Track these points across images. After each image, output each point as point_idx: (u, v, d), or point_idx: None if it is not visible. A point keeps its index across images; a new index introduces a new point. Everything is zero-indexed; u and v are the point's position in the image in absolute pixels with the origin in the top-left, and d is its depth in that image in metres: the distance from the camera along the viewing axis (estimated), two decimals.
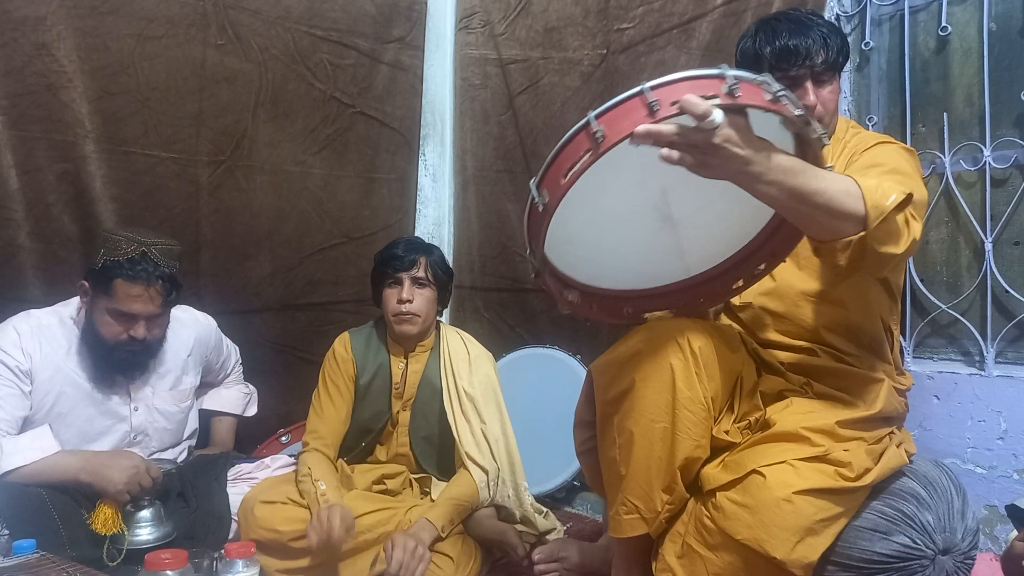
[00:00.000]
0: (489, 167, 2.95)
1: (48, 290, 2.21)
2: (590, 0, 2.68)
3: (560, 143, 1.14)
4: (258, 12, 2.56)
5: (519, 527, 2.01)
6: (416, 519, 1.85)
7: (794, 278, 1.51)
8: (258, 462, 2.11)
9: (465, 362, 2.13)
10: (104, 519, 1.73)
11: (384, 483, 2.06)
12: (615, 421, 1.41)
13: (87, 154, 2.28)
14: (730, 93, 1.09)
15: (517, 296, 2.88)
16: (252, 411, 2.41)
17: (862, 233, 1.20)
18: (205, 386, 2.28)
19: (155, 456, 2.01)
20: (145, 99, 2.37)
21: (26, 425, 1.83)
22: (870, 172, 1.34)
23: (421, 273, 2.05)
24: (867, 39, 2.19)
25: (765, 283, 1.53)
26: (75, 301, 1.95)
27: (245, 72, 2.55)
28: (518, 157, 2.87)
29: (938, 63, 2.11)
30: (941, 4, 2.06)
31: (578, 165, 1.11)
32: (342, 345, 2.13)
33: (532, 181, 1.18)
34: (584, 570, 1.80)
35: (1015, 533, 1.40)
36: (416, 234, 3.00)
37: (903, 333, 2.09)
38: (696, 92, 1.07)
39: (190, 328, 2.12)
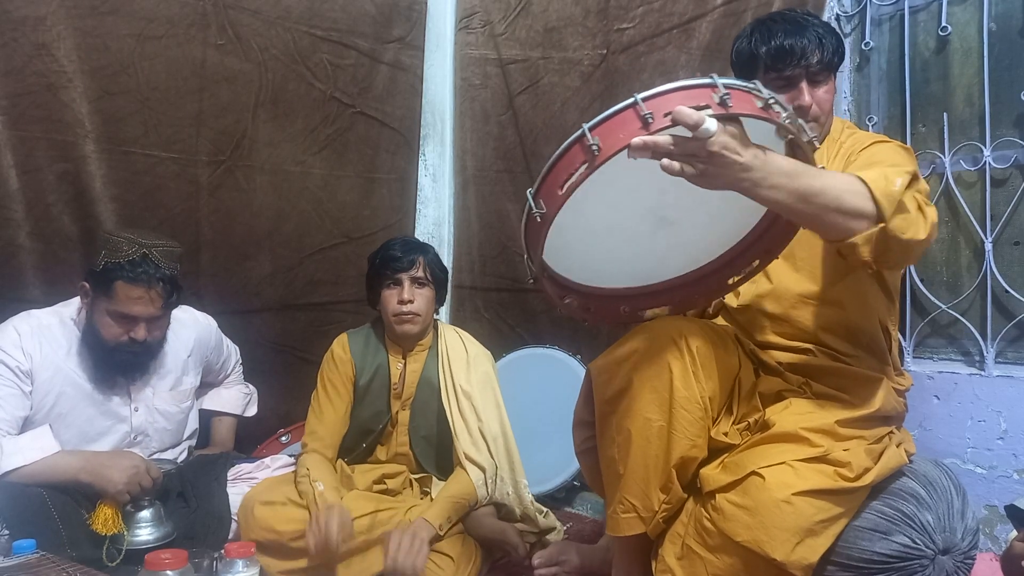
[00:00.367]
0: (489, 167, 2.95)
1: (48, 290, 2.21)
2: (590, 0, 2.68)
3: (555, 155, 1.15)
4: (258, 12, 2.56)
5: (519, 525, 2.01)
6: (415, 519, 1.85)
7: (791, 280, 1.51)
8: (258, 462, 2.11)
9: (463, 361, 2.13)
10: (104, 519, 1.73)
11: (384, 483, 2.06)
12: (613, 420, 1.42)
13: (87, 154, 2.28)
14: (722, 103, 1.10)
15: (517, 296, 2.88)
16: (252, 411, 2.41)
17: (882, 225, 1.20)
18: (205, 386, 2.28)
19: (155, 456, 2.01)
20: (145, 99, 2.37)
21: (26, 425, 1.84)
22: (873, 167, 1.34)
23: (420, 273, 2.05)
24: (867, 39, 2.19)
25: (762, 285, 1.53)
26: (75, 301, 1.95)
27: (245, 72, 2.55)
28: (518, 157, 2.87)
29: (938, 63, 2.11)
30: (941, 4, 2.06)
31: (574, 177, 1.12)
32: (340, 347, 2.13)
33: (529, 191, 1.19)
34: (584, 572, 1.80)
35: (1015, 533, 1.40)
36: (416, 234, 3.00)
37: (903, 333, 2.09)
38: (688, 102, 1.09)
39: (190, 328, 2.13)
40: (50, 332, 1.90)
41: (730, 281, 1.48)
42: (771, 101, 1.14)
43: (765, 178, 1.14)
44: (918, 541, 1.29)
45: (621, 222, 1.36)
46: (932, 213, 1.28)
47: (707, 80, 1.12)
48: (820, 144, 1.55)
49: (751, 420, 1.42)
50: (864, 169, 1.33)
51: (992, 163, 1.97)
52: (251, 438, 2.47)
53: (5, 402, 1.80)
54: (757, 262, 1.44)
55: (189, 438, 2.17)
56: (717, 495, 1.32)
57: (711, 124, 1.07)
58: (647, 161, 1.10)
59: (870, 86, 2.24)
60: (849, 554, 1.30)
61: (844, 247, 1.25)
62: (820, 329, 1.49)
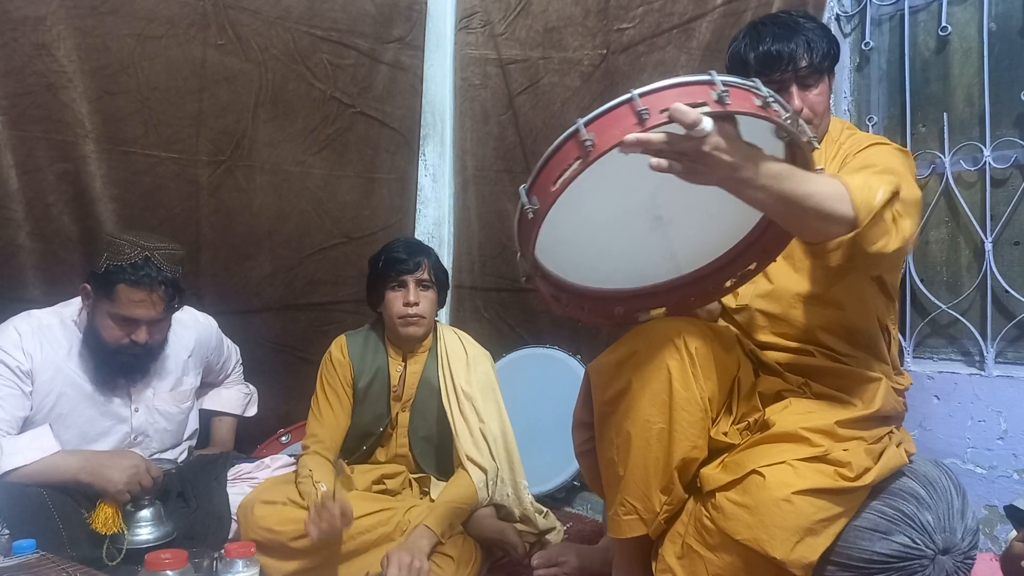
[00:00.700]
0: (489, 167, 2.95)
1: (48, 290, 2.21)
2: (590, 0, 2.68)
3: (550, 150, 1.14)
4: (258, 12, 2.56)
5: (519, 526, 2.01)
6: (415, 519, 1.84)
7: (790, 280, 1.51)
8: (258, 462, 2.11)
9: (463, 362, 2.13)
10: (104, 519, 1.73)
11: (384, 483, 2.06)
12: (613, 422, 1.41)
13: (87, 154, 2.28)
14: (720, 100, 1.09)
15: (517, 296, 2.88)
16: (252, 411, 2.41)
17: (854, 234, 1.21)
18: (205, 386, 2.28)
19: (155, 456, 2.01)
20: (145, 99, 2.37)
21: (27, 426, 1.83)
22: (862, 173, 1.35)
23: (425, 275, 2.05)
24: (867, 39, 2.19)
25: (762, 285, 1.53)
26: (76, 301, 1.95)
27: (245, 72, 2.55)
28: (518, 157, 2.87)
29: (938, 63, 2.11)
30: (941, 4, 2.06)
31: (568, 172, 1.11)
32: (338, 349, 2.12)
33: (522, 187, 1.18)
34: (584, 573, 1.80)
35: (1014, 533, 1.40)
36: (416, 234, 3.00)
37: (903, 333, 2.09)
38: (685, 99, 1.07)
39: (191, 329, 2.13)
40: (51, 332, 1.90)
41: (727, 283, 1.47)
42: (770, 100, 1.13)
43: (752, 179, 1.14)
44: (918, 541, 1.29)
45: (616, 220, 1.35)
46: (905, 227, 1.27)
47: (705, 77, 1.11)
48: (819, 145, 1.55)
49: (751, 420, 1.42)
50: (856, 172, 1.33)
51: (992, 163, 1.97)
52: (251, 438, 2.47)
53: (5, 402, 1.80)
54: (754, 264, 1.44)
55: (189, 438, 2.17)
56: (717, 494, 1.32)
57: (707, 123, 1.06)
58: (643, 158, 1.09)
59: (870, 86, 2.24)
60: (849, 554, 1.30)
61: (816, 249, 1.26)
62: (819, 329, 1.49)
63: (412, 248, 2.09)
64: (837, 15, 2.23)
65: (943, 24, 2.05)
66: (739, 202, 1.21)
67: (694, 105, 1.07)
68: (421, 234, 3.02)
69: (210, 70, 2.47)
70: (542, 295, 1.40)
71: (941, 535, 1.31)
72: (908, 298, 2.09)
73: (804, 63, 1.47)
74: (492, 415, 2.09)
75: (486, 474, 2.00)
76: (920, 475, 1.42)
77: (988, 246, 1.98)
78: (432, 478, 2.10)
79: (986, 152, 1.98)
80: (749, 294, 1.54)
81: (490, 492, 1.99)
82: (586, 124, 1.10)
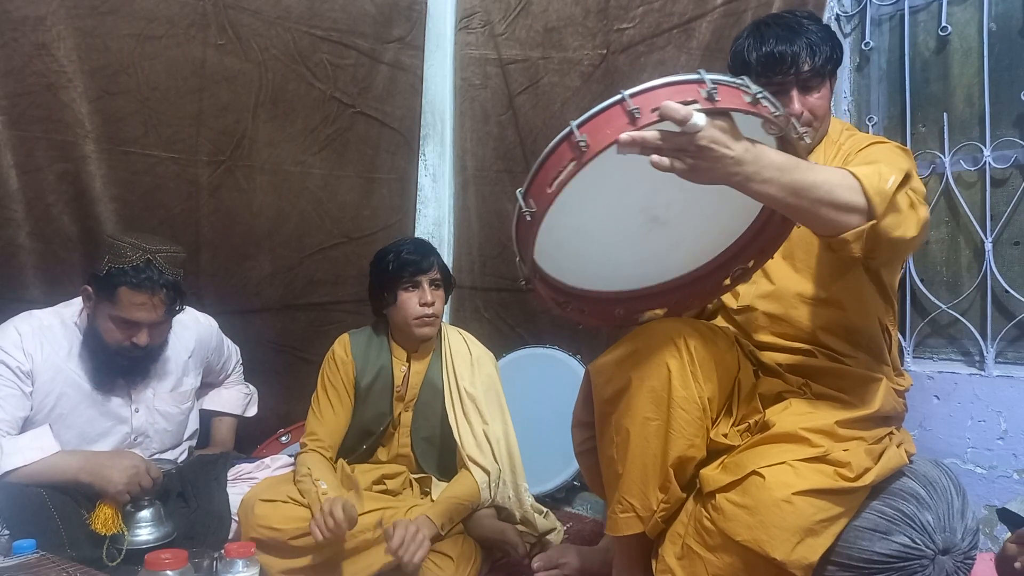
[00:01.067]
0: (489, 167, 2.95)
1: (48, 290, 2.21)
2: (590, 0, 2.68)
3: (544, 153, 1.14)
4: (258, 12, 2.56)
5: (519, 527, 2.01)
6: (416, 517, 1.84)
7: (791, 280, 1.51)
8: (258, 462, 2.11)
9: (467, 363, 2.13)
10: (104, 519, 1.73)
11: (384, 483, 2.06)
12: (612, 420, 1.42)
13: (87, 154, 2.28)
14: (709, 97, 1.10)
15: (517, 296, 2.88)
16: (252, 411, 2.41)
17: (873, 222, 1.20)
18: (206, 386, 2.28)
19: (155, 457, 2.01)
20: (145, 99, 2.37)
21: (27, 426, 1.83)
22: (869, 165, 1.34)
23: (437, 274, 2.06)
24: (867, 39, 2.19)
25: (763, 285, 1.53)
26: (77, 302, 1.95)
27: (245, 72, 2.55)
28: (518, 157, 2.87)
29: (938, 63, 2.11)
30: (941, 4, 2.06)
31: (563, 174, 1.12)
32: (341, 347, 2.12)
33: (519, 191, 1.19)
34: (584, 574, 1.80)
35: (1009, 535, 1.40)
36: (416, 234, 2.99)
37: (903, 333, 2.10)
38: (675, 98, 1.08)
39: (191, 330, 2.12)
40: (51, 333, 1.90)
41: (725, 282, 1.47)
42: (759, 96, 1.14)
43: (757, 172, 1.14)
44: (918, 541, 1.29)
45: (613, 222, 1.35)
46: (923, 212, 1.28)
47: (694, 76, 1.12)
48: (817, 145, 1.55)
49: (751, 421, 1.42)
50: (860, 167, 1.33)
51: (992, 163, 1.97)
52: (251, 438, 2.47)
53: (5, 402, 1.80)
54: (752, 262, 1.44)
55: (189, 439, 2.17)
56: (717, 495, 1.32)
57: (699, 118, 1.07)
58: (638, 160, 1.10)
59: (870, 86, 2.24)
60: (849, 554, 1.30)
61: (835, 242, 1.25)
62: (820, 329, 1.49)
63: (423, 248, 2.09)
64: (837, 15, 2.23)
65: (943, 24, 2.05)
66: (735, 201, 1.21)
67: (684, 103, 1.08)
68: (421, 234, 3.01)
69: (210, 70, 2.47)
70: (542, 298, 1.40)
71: (941, 535, 1.31)
72: (908, 298, 2.10)
73: (806, 67, 1.46)
74: (495, 417, 2.09)
75: (489, 476, 2.00)
76: (920, 475, 1.42)
77: (988, 246, 1.98)
78: (433, 478, 2.10)
79: (986, 152, 1.98)
80: (750, 294, 1.54)
81: (492, 494, 2.00)
82: (579, 126, 1.11)
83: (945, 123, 2.05)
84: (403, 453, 2.13)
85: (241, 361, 2.39)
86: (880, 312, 1.54)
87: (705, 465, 1.40)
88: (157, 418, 2.03)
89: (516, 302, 2.89)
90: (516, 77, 2.85)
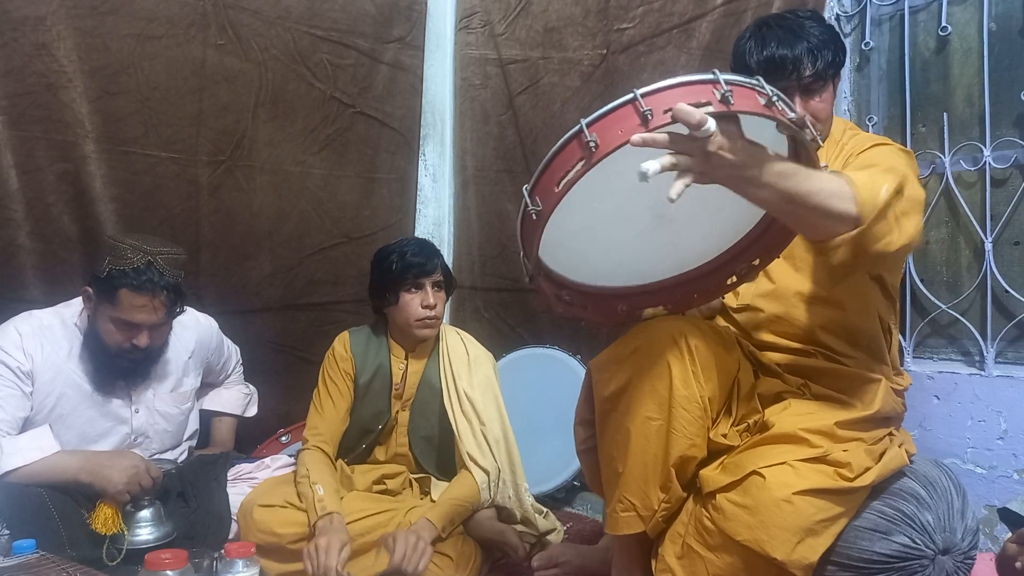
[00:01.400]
0: (489, 167, 2.95)
1: (48, 290, 2.21)
2: (590, 0, 2.68)
3: (552, 151, 1.13)
4: (258, 12, 2.56)
5: (519, 527, 2.01)
6: (416, 519, 1.85)
7: (792, 280, 1.51)
8: (258, 462, 2.11)
9: (465, 363, 2.13)
10: (104, 519, 1.73)
11: (384, 483, 2.06)
12: (613, 419, 1.42)
13: (87, 154, 2.28)
14: (724, 100, 1.08)
15: (517, 296, 2.88)
16: (252, 411, 2.41)
17: (859, 229, 1.20)
18: (206, 387, 2.28)
19: (155, 457, 2.01)
20: (145, 99, 2.36)
21: (27, 426, 1.83)
22: (866, 171, 1.34)
23: (440, 276, 2.06)
24: (867, 39, 2.19)
25: (764, 285, 1.53)
26: (77, 302, 1.95)
27: (245, 72, 2.55)
28: (518, 157, 2.87)
29: (938, 63, 2.11)
30: (941, 4, 2.06)
31: (571, 174, 1.11)
32: (341, 344, 2.13)
33: (525, 188, 1.17)
34: (584, 573, 1.80)
35: (1010, 535, 1.40)
36: (416, 234, 2.99)
37: (903, 333, 2.09)
38: (689, 99, 1.06)
39: (191, 330, 2.12)
40: (51, 333, 1.90)
41: (729, 281, 1.47)
42: (775, 98, 1.13)
43: (756, 177, 1.14)
44: (918, 541, 1.29)
45: (618, 218, 1.35)
46: (909, 224, 1.26)
47: (709, 76, 1.10)
48: (822, 145, 1.54)
49: (750, 422, 1.42)
50: (858, 171, 1.32)
51: (992, 163, 1.97)
52: (251, 438, 2.47)
53: (5, 403, 1.80)
54: (757, 261, 1.44)
55: (189, 439, 2.17)
56: (717, 495, 1.32)
57: (711, 124, 1.05)
58: (645, 155, 1.09)
59: (870, 86, 2.24)
60: (849, 554, 1.30)
61: (822, 247, 1.25)
62: (820, 329, 1.49)
63: (427, 250, 2.08)
64: (837, 15, 2.23)
65: (943, 24, 2.05)
66: (741, 200, 1.21)
67: (698, 105, 1.06)
68: (421, 234, 3.01)
69: (210, 70, 2.47)
70: (545, 295, 1.39)
71: (941, 535, 1.31)
72: (908, 298, 2.09)
73: (808, 72, 1.45)
74: (493, 417, 2.09)
75: (488, 476, 2.00)
76: (920, 475, 1.42)
77: (988, 246, 1.98)
78: (433, 479, 2.10)
79: (986, 152, 1.98)
80: (750, 293, 1.54)
81: (492, 494, 2.00)
82: (589, 125, 1.09)
83: (945, 123, 2.05)
84: (401, 452, 2.13)
85: (241, 361, 2.39)
86: (882, 311, 1.54)
87: (705, 465, 1.40)
88: (157, 418, 2.03)
89: (516, 302, 2.89)
90: (516, 77, 2.85)
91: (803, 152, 1.22)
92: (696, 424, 1.36)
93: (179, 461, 2.06)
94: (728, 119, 1.10)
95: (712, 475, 1.35)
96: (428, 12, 2.98)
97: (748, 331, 1.55)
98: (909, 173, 1.36)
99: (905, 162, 1.42)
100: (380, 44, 2.84)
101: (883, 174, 1.27)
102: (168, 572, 1.28)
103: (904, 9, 2.13)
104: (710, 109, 1.07)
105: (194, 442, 2.20)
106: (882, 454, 1.37)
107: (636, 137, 1.06)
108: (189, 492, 1.93)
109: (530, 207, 1.16)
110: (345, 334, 2.15)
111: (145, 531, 1.78)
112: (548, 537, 2.05)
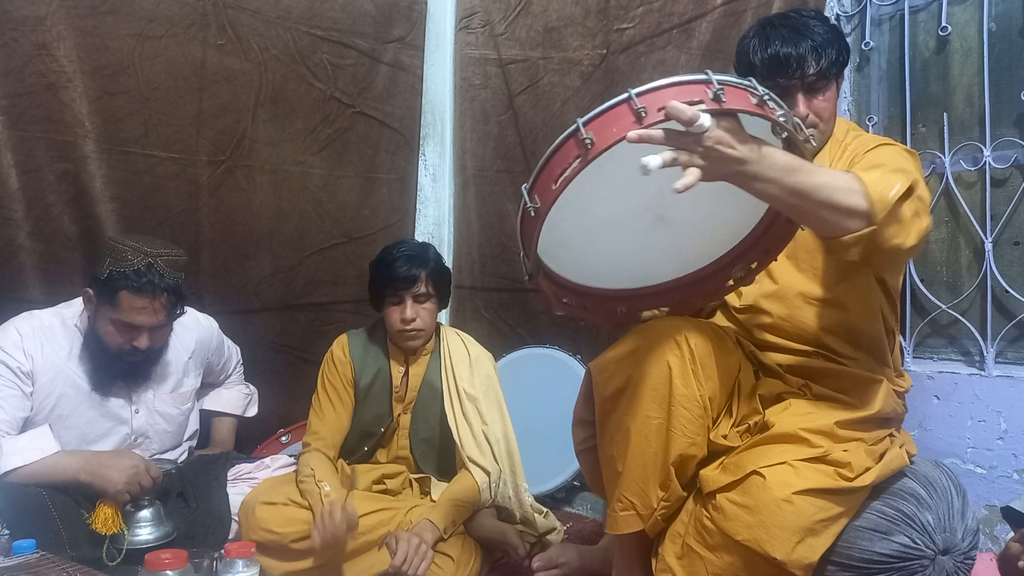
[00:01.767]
0: (489, 167, 2.95)
1: (48, 290, 2.21)
2: (590, 0, 2.68)
3: (550, 149, 1.15)
4: (258, 12, 2.56)
5: (519, 527, 2.01)
6: (417, 519, 1.85)
7: (795, 280, 1.51)
8: (258, 462, 2.11)
9: (466, 363, 2.13)
10: (104, 519, 1.73)
11: (384, 483, 2.06)
12: (613, 418, 1.42)
13: (87, 154, 2.28)
14: (716, 98, 1.10)
15: (517, 296, 2.88)
16: (252, 412, 2.41)
17: (872, 228, 1.20)
18: (206, 387, 2.28)
19: (155, 457, 2.01)
20: (145, 99, 2.37)
21: (27, 426, 1.83)
22: (875, 170, 1.34)
23: (422, 289, 2.02)
24: (867, 39, 2.19)
25: (766, 285, 1.53)
26: (77, 302, 1.95)
27: (245, 72, 2.55)
28: (518, 157, 2.87)
29: (938, 63, 2.11)
30: (941, 4, 2.06)
31: (568, 171, 1.12)
32: (340, 348, 2.12)
33: (524, 187, 1.19)
34: (584, 573, 1.80)
35: (1012, 534, 1.40)
36: (416, 234, 2.99)
37: (903, 333, 2.09)
38: (682, 98, 1.09)
39: (192, 330, 2.12)
40: (52, 334, 1.90)
41: (728, 283, 1.47)
42: (766, 98, 1.14)
43: (761, 172, 1.14)
44: (918, 541, 1.29)
45: (618, 220, 1.35)
46: (925, 221, 1.27)
47: (701, 76, 1.12)
48: (823, 147, 1.54)
49: (751, 422, 1.42)
50: (868, 171, 1.32)
51: (992, 163, 1.97)
52: (251, 438, 2.47)
53: (5, 403, 1.80)
54: (756, 264, 1.44)
55: (190, 439, 2.17)
56: (718, 495, 1.32)
57: (705, 119, 1.07)
58: (645, 156, 1.10)
59: (870, 86, 2.24)
60: (849, 554, 1.30)
61: (834, 245, 1.25)
62: (822, 330, 1.49)
63: (410, 260, 2.02)
64: (837, 15, 2.23)
65: (943, 24, 2.05)
66: (740, 202, 1.21)
67: (691, 103, 1.08)
68: (421, 234, 3.02)
69: (210, 70, 2.47)
70: (544, 294, 1.40)
71: (941, 535, 1.31)
72: (908, 298, 2.09)
73: (811, 70, 1.45)
74: (494, 417, 2.09)
75: (489, 476, 2.00)
76: (920, 475, 1.42)
77: (988, 246, 1.98)
78: (432, 479, 2.10)
79: (986, 152, 1.98)
80: (753, 293, 1.54)
81: (492, 494, 2.00)
82: (585, 123, 1.11)
83: (945, 123, 2.05)
84: (402, 455, 2.13)
85: (241, 361, 2.39)
86: (885, 313, 1.53)
87: (706, 465, 1.40)
88: (157, 419, 2.03)
89: (516, 302, 2.89)
90: (516, 77, 2.85)
91: (796, 152, 1.23)
92: (696, 423, 1.36)
93: (179, 461, 2.06)
94: (727, 116, 1.11)
95: (712, 475, 1.35)
96: (428, 12, 2.98)
97: (750, 331, 1.55)
98: (916, 174, 1.36)
99: (910, 161, 1.42)
100: (380, 44, 2.84)
101: (893, 174, 1.27)
102: (168, 572, 1.29)
103: (904, 9, 2.13)
104: (702, 107, 1.09)
105: (194, 442, 2.20)
106: (882, 454, 1.37)
107: (632, 133, 1.08)
108: (189, 492, 1.93)
109: (529, 205, 1.18)
110: (343, 337, 2.15)
111: (145, 531, 1.79)
112: (548, 537, 2.05)
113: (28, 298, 2.16)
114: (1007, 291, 1.95)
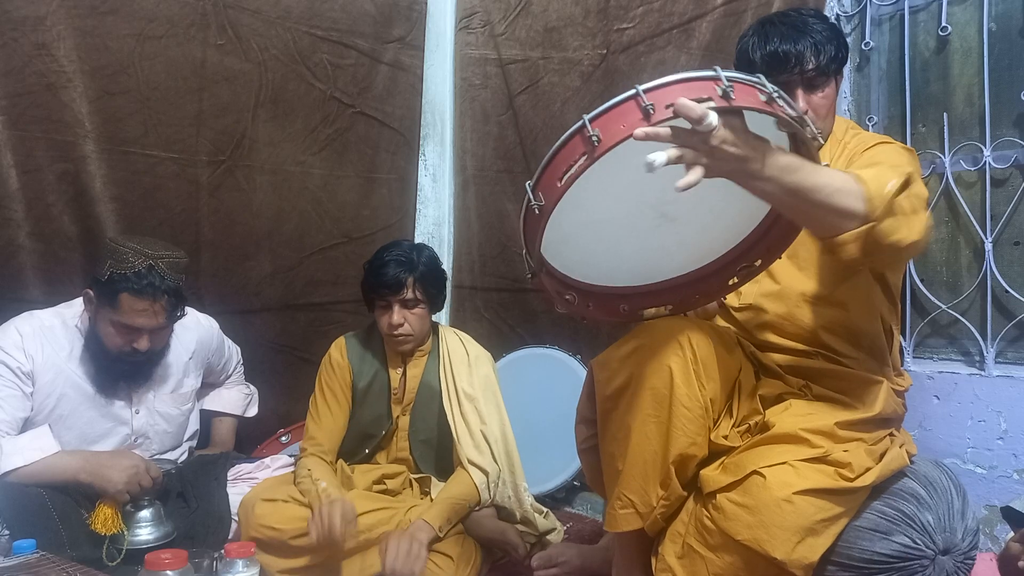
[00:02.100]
0: (489, 167, 2.96)
1: (48, 290, 2.21)
2: (590, 0, 2.68)
3: (555, 146, 1.14)
4: (258, 12, 2.56)
5: (519, 527, 2.01)
6: (415, 519, 1.84)
7: (795, 280, 1.51)
8: (258, 462, 2.11)
9: (464, 363, 2.13)
10: (104, 519, 1.73)
11: (384, 483, 2.06)
12: (614, 417, 1.42)
13: (87, 154, 2.28)
14: (724, 95, 1.09)
15: (517, 296, 2.88)
16: (253, 412, 2.41)
17: (871, 224, 1.20)
18: (206, 387, 2.28)
19: (155, 458, 2.00)
20: (145, 99, 2.36)
21: (27, 427, 1.84)
22: (872, 168, 1.34)
23: (410, 295, 2.00)
24: (867, 39, 2.19)
25: (767, 285, 1.53)
26: (77, 302, 1.95)
27: (245, 72, 2.55)
28: (518, 157, 2.87)
29: (938, 63, 2.11)
30: (941, 4, 2.06)
31: (574, 168, 1.11)
32: (338, 351, 2.12)
33: (528, 183, 1.18)
34: (584, 573, 1.80)
35: (1012, 534, 1.40)
36: (416, 234, 2.99)
37: (903, 333, 2.09)
38: (690, 95, 1.07)
39: (192, 331, 2.12)
40: (52, 334, 1.90)
41: (731, 281, 1.47)
42: (775, 95, 1.13)
43: (760, 171, 1.14)
44: (918, 541, 1.29)
45: (621, 218, 1.35)
46: (923, 218, 1.27)
47: (710, 72, 1.11)
48: (824, 143, 1.54)
49: (751, 422, 1.42)
50: (864, 169, 1.32)
51: (992, 163, 1.97)
52: (251, 438, 2.47)
53: (5, 403, 1.80)
54: (759, 262, 1.44)
55: (190, 439, 2.17)
56: (718, 495, 1.32)
57: (713, 118, 1.06)
58: (647, 154, 1.09)
59: (870, 86, 2.24)
60: (849, 554, 1.30)
61: (831, 244, 1.25)
62: (822, 330, 1.49)
63: (399, 266, 1.99)
64: (837, 15, 2.23)
65: (943, 24, 2.05)
66: (744, 200, 1.21)
67: (699, 100, 1.07)
68: (421, 234, 3.02)
69: (210, 70, 2.47)
70: (547, 292, 1.40)
71: (941, 535, 1.31)
72: (908, 298, 2.09)
73: (811, 66, 1.46)
74: (493, 417, 2.09)
75: (487, 476, 1.99)
76: (920, 475, 1.42)
77: (988, 246, 1.98)
78: (433, 479, 2.10)
79: (986, 152, 1.98)
80: (754, 293, 1.54)
81: (492, 494, 1.99)
82: (591, 120, 1.10)
83: (945, 123, 2.05)
84: (402, 456, 2.12)
85: (241, 361, 2.39)
86: (885, 313, 1.53)
87: (706, 465, 1.40)
88: (157, 419, 2.03)
89: (516, 302, 2.89)
90: (516, 77, 2.85)
91: (804, 150, 1.22)
92: (696, 422, 1.36)
93: (179, 461, 2.06)
94: (732, 114, 1.10)
95: (712, 475, 1.35)
96: (428, 12, 2.98)
97: (750, 331, 1.55)
98: (914, 171, 1.36)
99: (909, 160, 1.42)
100: (380, 44, 2.84)
101: (889, 170, 1.27)
102: (168, 572, 1.28)
103: (904, 9, 2.13)
104: (711, 104, 1.07)
105: (194, 442, 2.20)
106: (883, 454, 1.37)
107: (639, 131, 1.06)
108: (189, 492, 1.93)
109: (533, 202, 1.17)
110: (341, 340, 2.15)
111: (145, 531, 1.79)
112: (548, 537, 2.05)
113: (28, 298, 2.16)
114: (1007, 291, 1.95)
